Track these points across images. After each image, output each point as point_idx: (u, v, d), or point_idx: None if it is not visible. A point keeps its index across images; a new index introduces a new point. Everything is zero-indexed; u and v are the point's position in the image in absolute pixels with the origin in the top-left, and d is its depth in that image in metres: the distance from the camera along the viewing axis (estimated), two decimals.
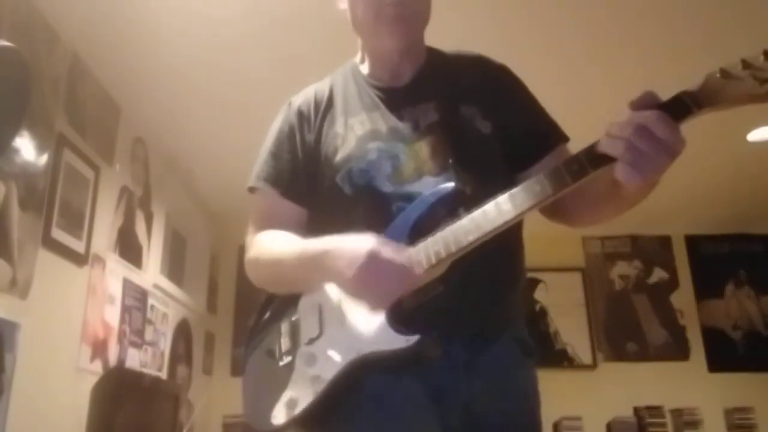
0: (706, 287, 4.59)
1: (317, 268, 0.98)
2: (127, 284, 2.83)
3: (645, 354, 4.42)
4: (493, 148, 1.09)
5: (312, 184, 1.13)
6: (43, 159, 2.18)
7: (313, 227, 1.08)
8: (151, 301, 3.12)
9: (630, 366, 4.37)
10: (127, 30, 2.37)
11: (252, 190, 1.20)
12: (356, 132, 1.11)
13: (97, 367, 2.50)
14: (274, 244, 1.10)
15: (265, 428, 1.01)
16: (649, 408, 4.11)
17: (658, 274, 4.64)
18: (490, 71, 1.18)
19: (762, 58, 0.74)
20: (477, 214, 0.90)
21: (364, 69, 1.21)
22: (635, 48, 2.55)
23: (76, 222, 2.40)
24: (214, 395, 4.01)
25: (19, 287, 2.00)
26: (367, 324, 0.95)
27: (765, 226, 4.58)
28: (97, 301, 2.54)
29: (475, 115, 1.10)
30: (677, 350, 4.45)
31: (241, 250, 1.19)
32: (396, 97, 1.14)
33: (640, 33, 2.47)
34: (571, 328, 4.45)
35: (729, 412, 4.18)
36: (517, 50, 2.39)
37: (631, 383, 4.25)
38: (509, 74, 1.19)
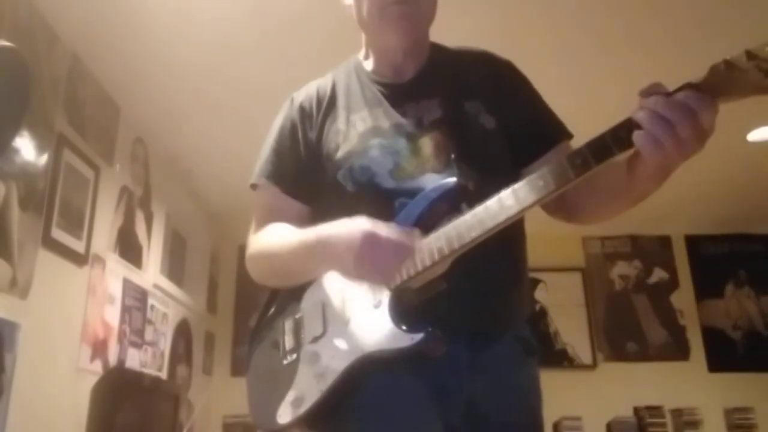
0: (706, 287, 4.59)
1: (316, 256, 0.99)
2: (127, 284, 2.83)
3: (645, 354, 4.42)
4: (497, 143, 1.09)
5: (314, 181, 1.13)
6: (43, 159, 2.18)
7: (315, 224, 1.08)
8: (151, 301, 3.12)
9: (630, 366, 4.37)
10: (127, 30, 2.37)
11: (254, 187, 1.19)
12: (358, 128, 1.11)
13: (97, 367, 2.50)
14: (273, 238, 1.11)
15: (270, 427, 1.01)
16: (649, 408, 4.11)
17: (658, 274, 4.64)
18: (495, 67, 1.18)
19: (767, 49, 0.73)
20: (479, 209, 0.89)
21: (368, 65, 1.21)
22: (641, 42, 2.54)
23: (76, 222, 2.40)
24: (214, 395, 4.00)
25: (19, 287, 2.00)
26: (371, 322, 0.95)
27: (765, 226, 4.58)
28: (97, 301, 2.54)
29: (480, 111, 1.10)
30: (677, 350, 4.45)
31: (241, 250, 1.19)
32: (399, 93, 1.14)
33: (646, 27, 2.46)
34: (571, 328, 4.45)
35: (729, 412, 4.18)
36: (523, 46, 2.40)
37: (631, 383, 4.25)
38: (514, 70, 1.19)
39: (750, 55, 0.74)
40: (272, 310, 1.14)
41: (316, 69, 1.28)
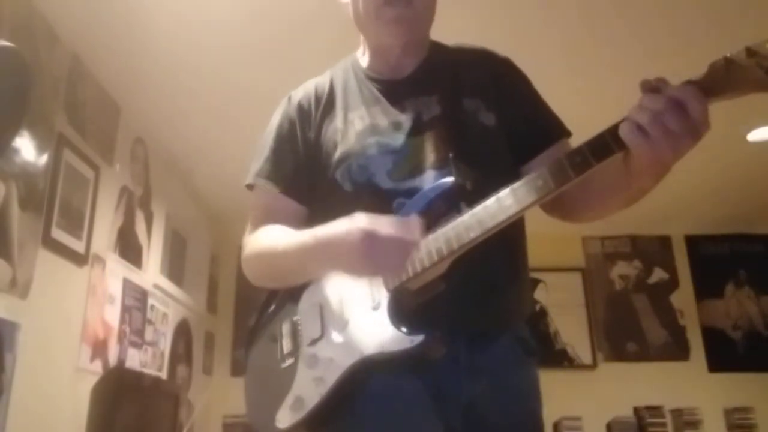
0: (706, 287, 4.59)
1: (317, 258, 0.97)
2: (127, 284, 2.83)
3: (645, 354, 4.42)
4: (497, 141, 1.08)
5: (312, 180, 1.12)
6: (43, 159, 2.18)
7: (313, 225, 1.07)
8: (151, 301, 3.12)
9: (630, 366, 4.37)
10: (127, 31, 2.36)
11: (250, 187, 1.18)
12: (356, 127, 1.10)
13: (97, 367, 2.50)
14: (270, 239, 1.09)
15: (269, 431, 1.00)
16: (649, 408, 4.10)
17: (658, 274, 4.64)
18: (494, 64, 1.17)
19: (767, 46, 0.72)
20: (478, 209, 0.89)
21: (365, 62, 1.20)
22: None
23: (76, 222, 2.39)
24: (214, 395, 4.00)
25: (19, 287, 2.00)
26: (370, 324, 0.94)
27: (765, 226, 4.57)
28: (97, 301, 2.54)
29: (479, 108, 1.09)
30: (677, 350, 4.44)
31: (241, 250, 1.18)
32: (397, 90, 1.13)
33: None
34: (571, 328, 4.45)
35: (729, 412, 4.18)
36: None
37: (631, 383, 4.25)
38: (513, 67, 1.19)
39: (750, 52, 0.73)
40: (269, 312, 1.13)
41: (318, 71, 1.27)
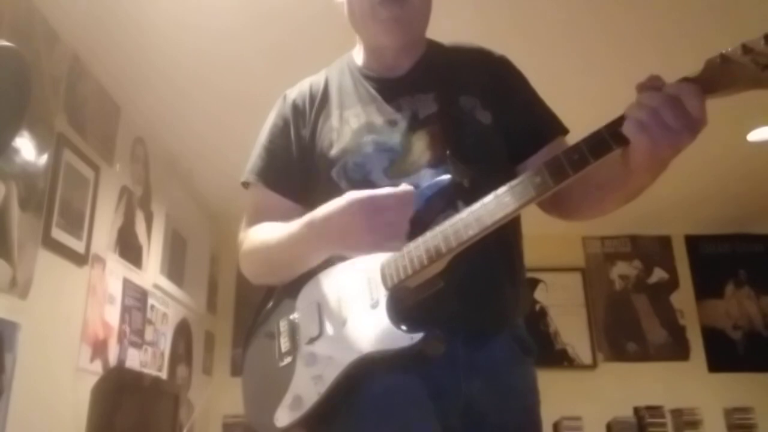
0: (706, 287, 4.59)
1: (315, 239, 0.96)
2: (127, 284, 2.83)
3: (645, 354, 4.42)
4: (493, 139, 1.08)
5: (307, 179, 1.12)
6: (43, 159, 2.18)
7: None
8: (151, 301, 3.12)
9: (630, 366, 4.37)
10: (128, 30, 2.37)
11: (245, 185, 1.18)
12: (351, 125, 1.10)
13: (97, 367, 2.50)
14: (264, 234, 1.09)
15: (268, 430, 0.99)
16: (649, 408, 4.10)
17: (658, 274, 4.64)
18: (490, 62, 1.17)
19: (763, 42, 0.72)
20: (476, 207, 0.88)
21: (361, 60, 1.20)
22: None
23: (76, 222, 2.40)
24: (214, 395, 4.00)
25: (19, 287, 2.00)
26: (368, 322, 0.94)
27: (765, 226, 4.57)
28: (97, 301, 2.54)
29: (475, 106, 1.09)
30: (677, 350, 4.44)
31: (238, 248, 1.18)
32: (393, 88, 1.13)
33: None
34: (571, 328, 4.45)
35: (729, 412, 4.18)
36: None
37: (631, 383, 4.25)
38: (509, 65, 1.18)
39: (746, 48, 0.73)
40: (267, 310, 1.12)
41: (319, 70, 1.27)
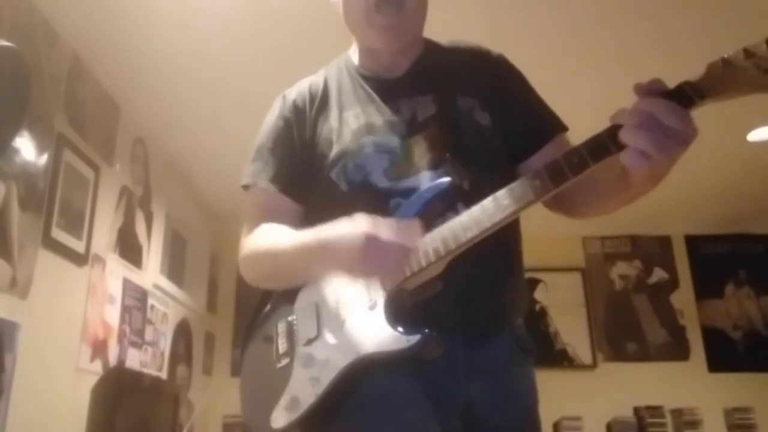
0: (706, 287, 4.59)
1: (317, 258, 0.96)
2: (127, 284, 2.83)
3: (645, 354, 4.42)
4: (493, 140, 1.08)
5: (308, 179, 1.11)
6: (43, 159, 2.18)
7: (309, 224, 1.06)
8: (151, 301, 3.12)
9: (630, 366, 4.37)
10: (127, 30, 2.37)
11: (246, 187, 1.17)
12: (351, 126, 1.09)
13: (97, 367, 2.50)
14: (269, 238, 1.08)
15: (264, 431, 0.99)
16: (649, 408, 4.10)
17: (658, 274, 4.64)
18: (488, 62, 1.17)
19: (764, 46, 0.72)
20: (475, 209, 0.88)
21: (358, 60, 1.19)
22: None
23: (76, 222, 2.40)
24: (214, 395, 4.00)
25: (19, 287, 2.00)
26: (366, 324, 0.94)
27: (765, 226, 4.57)
28: (97, 301, 2.54)
29: (474, 107, 1.09)
30: (677, 350, 4.44)
31: (238, 250, 1.17)
32: (392, 89, 1.12)
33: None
34: (571, 328, 4.45)
35: (729, 412, 4.17)
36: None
37: (631, 383, 4.25)
38: (507, 64, 1.18)
39: (748, 53, 0.73)
40: (265, 311, 1.12)
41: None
